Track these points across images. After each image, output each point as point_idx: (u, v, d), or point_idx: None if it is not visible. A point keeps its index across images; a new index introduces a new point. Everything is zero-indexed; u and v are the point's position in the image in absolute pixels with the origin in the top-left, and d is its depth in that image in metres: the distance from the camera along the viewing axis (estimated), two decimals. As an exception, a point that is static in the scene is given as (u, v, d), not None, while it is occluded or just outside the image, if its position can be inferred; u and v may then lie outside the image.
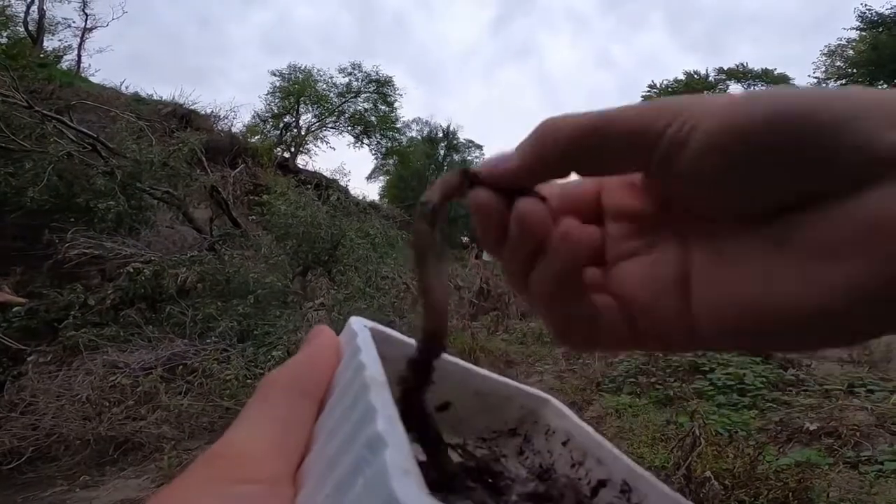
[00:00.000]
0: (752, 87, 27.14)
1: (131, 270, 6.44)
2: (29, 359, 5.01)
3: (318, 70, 24.71)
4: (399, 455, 0.16)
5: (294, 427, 0.22)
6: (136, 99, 14.64)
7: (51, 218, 6.87)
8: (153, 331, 5.69)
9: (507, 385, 0.32)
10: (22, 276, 6.81)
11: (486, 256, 15.15)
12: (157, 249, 7.36)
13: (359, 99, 25.58)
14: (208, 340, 5.56)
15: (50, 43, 17.64)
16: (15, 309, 5.97)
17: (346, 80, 25.18)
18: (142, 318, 6.04)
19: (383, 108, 26.17)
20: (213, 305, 6.31)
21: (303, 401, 0.23)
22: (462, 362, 0.31)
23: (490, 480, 0.27)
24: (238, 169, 10.99)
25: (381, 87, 25.56)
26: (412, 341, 0.29)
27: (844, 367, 5.96)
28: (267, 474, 0.20)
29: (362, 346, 0.24)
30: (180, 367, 4.96)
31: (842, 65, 24.36)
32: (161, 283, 6.48)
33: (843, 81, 24.37)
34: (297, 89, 23.74)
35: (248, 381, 4.70)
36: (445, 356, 0.30)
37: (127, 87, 15.95)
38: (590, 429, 0.31)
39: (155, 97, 15.38)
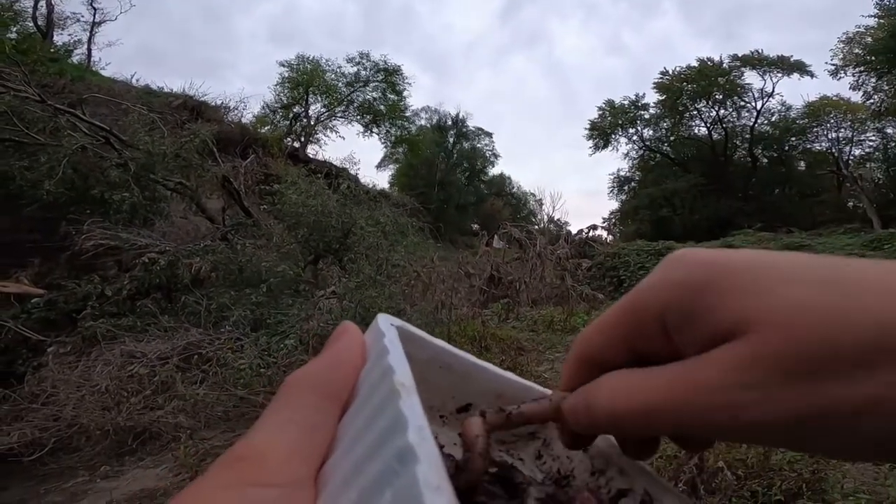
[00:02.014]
0: (767, 74, 26.64)
1: (147, 261, 6.53)
2: (49, 350, 5.12)
3: (327, 60, 24.69)
4: (431, 470, 0.16)
5: (316, 430, 0.22)
6: (147, 91, 14.75)
7: (67, 210, 6.97)
8: (169, 320, 5.77)
9: (530, 389, 0.32)
10: (40, 267, 6.94)
11: (496, 244, 15.13)
12: (172, 240, 7.44)
13: (367, 88, 25.49)
14: (222, 330, 5.63)
15: (60, 37, 17.80)
16: (34, 300, 6.10)
17: (355, 69, 25.12)
18: (157, 307, 6.13)
19: (392, 96, 26.05)
20: (227, 295, 6.38)
21: (326, 403, 0.23)
22: (488, 365, 0.31)
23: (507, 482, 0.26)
24: (249, 159, 11.04)
25: (390, 76, 25.42)
26: (439, 342, 0.29)
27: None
28: (286, 478, 0.19)
29: (390, 347, 0.23)
30: (195, 356, 5.04)
31: (860, 52, 23.72)
32: (176, 272, 6.57)
33: (862, 69, 23.76)
34: (305, 79, 23.71)
35: (262, 370, 4.75)
36: (473, 358, 0.30)
37: (138, 80, 16.09)
38: (613, 439, 0.29)
39: (165, 90, 15.49)
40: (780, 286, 0.19)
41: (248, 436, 0.21)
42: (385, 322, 0.26)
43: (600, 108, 32.54)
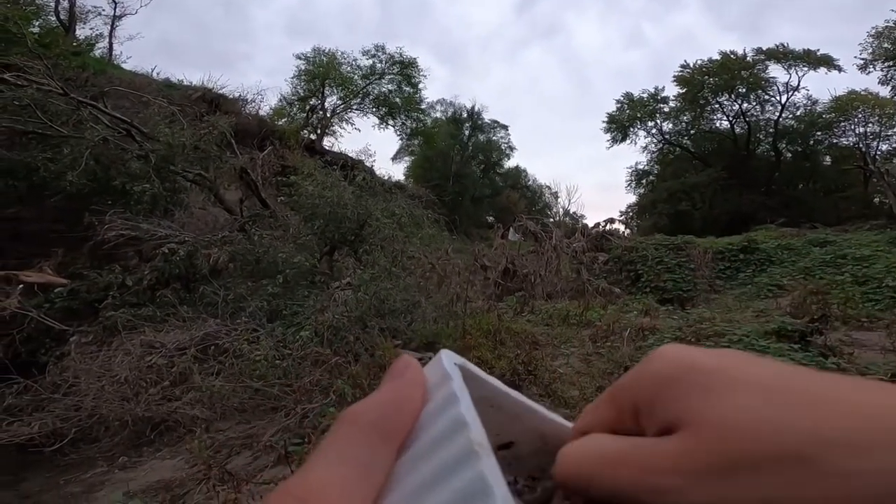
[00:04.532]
0: (792, 68, 25.96)
1: (167, 251, 6.62)
2: (71, 339, 5.21)
3: (342, 53, 24.77)
4: None
5: (372, 470, 0.22)
6: (168, 84, 14.92)
7: (89, 201, 7.10)
8: (187, 311, 5.85)
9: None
10: (63, 257, 7.07)
11: (511, 236, 15.05)
12: (191, 230, 7.54)
13: (383, 81, 25.52)
14: (239, 320, 5.69)
15: (81, 31, 18.05)
16: (57, 290, 6.22)
17: (370, 62, 25.16)
18: (176, 297, 6.22)
19: (407, 89, 26.05)
20: (244, 285, 6.45)
21: (383, 444, 0.23)
22: (538, 407, 0.31)
23: None
24: (266, 151, 11.13)
25: (405, 69, 25.40)
26: (494, 382, 0.29)
27: (887, 355, 5.73)
28: None
29: (459, 394, 0.23)
30: (212, 347, 5.09)
31: (889, 47, 22.97)
32: (195, 263, 6.66)
33: (891, 63, 23.04)
34: (321, 72, 23.78)
35: (277, 361, 4.78)
36: (525, 399, 0.31)
37: (158, 74, 16.29)
38: None
39: (185, 82, 15.67)
40: (726, 390, 0.21)
41: (304, 473, 0.21)
42: (449, 361, 0.26)
43: (618, 101, 32.10)
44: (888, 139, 25.63)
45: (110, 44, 19.74)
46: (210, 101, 14.19)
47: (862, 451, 0.17)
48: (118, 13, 20.28)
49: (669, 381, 0.23)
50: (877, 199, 24.98)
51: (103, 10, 19.60)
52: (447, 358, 0.26)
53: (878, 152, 25.54)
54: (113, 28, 20.02)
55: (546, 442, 0.31)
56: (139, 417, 4.08)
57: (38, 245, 7.07)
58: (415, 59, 25.43)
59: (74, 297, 6.27)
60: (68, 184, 6.91)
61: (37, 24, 12.84)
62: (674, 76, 29.48)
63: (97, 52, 17.59)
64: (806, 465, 0.18)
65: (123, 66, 17.38)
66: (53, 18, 16.09)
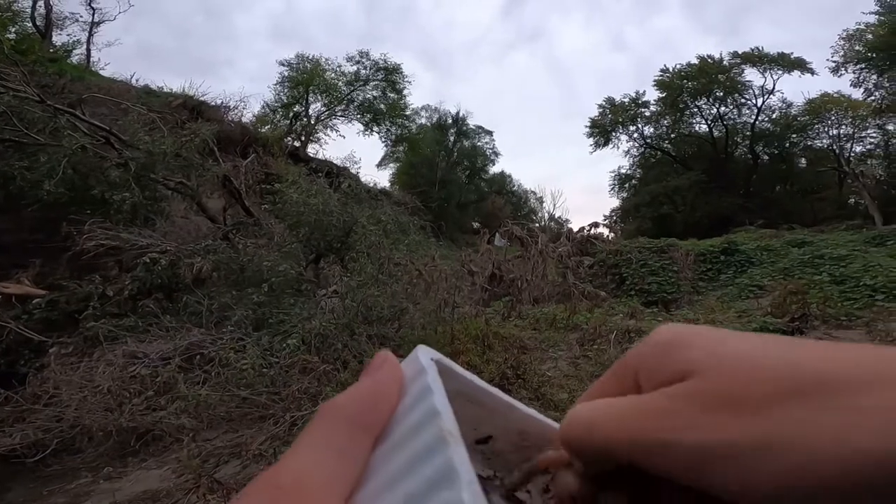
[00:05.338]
0: (767, 72, 26.64)
1: (148, 261, 6.51)
2: (51, 350, 5.10)
3: (326, 59, 24.76)
4: None
5: (350, 460, 0.23)
6: (147, 91, 14.72)
7: (67, 210, 6.95)
8: (171, 321, 5.75)
9: (553, 428, 0.32)
10: (41, 268, 6.92)
11: (497, 241, 15.11)
12: (173, 239, 7.41)
13: (367, 87, 25.53)
14: (224, 330, 5.61)
15: (59, 38, 17.76)
16: (35, 301, 6.08)
17: (355, 68, 25.16)
18: (159, 308, 6.11)
19: (392, 95, 26.10)
20: (229, 294, 6.36)
21: (362, 435, 0.24)
22: (517, 403, 0.32)
23: None
24: (249, 158, 11.02)
25: (390, 75, 25.45)
26: (471, 377, 0.29)
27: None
28: None
29: (434, 386, 0.24)
30: (197, 356, 5.01)
31: (861, 49, 23.75)
32: (177, 272, 6.55)
33: (863, 66, 23.76)
34: (305, 79, 23.72)
35: (264, 370, 4.73)
36: (503, 395, 0.31)
37: (137, 80, 16.05)
38: None
39: (165, 89, 15.45)
40: (726, 341, 0.23)
41: (284, 462, 0.22)
42: (425, 356, 0.26)
43: (601, 106, 32.58)
44: (861, 141, 26.38)
45: (88, 50, 19.45)
46: (191, 109, 14.01)
47: (865, 389, 0.18)
48: (96, 19, 20.01)
49: (671, 345, 0.24)
50: (852, 200, 25.65)
51: (81, 16, 19.32)
52: (423, 353, 0.27)
53: (852, 154, 26.26)
54: (91, 34, 19.73)
55: (525, 438, 0.32)
56: (123, 428, 4.00)
57: (16, 255, 6.91)
58: (399, 65, 25.56)
59: (53, 307, 6.13)
60: (46, 193, 6.76)
61: (13, 30, 12.64)
62: (654, 80, 30.09)
63: (75, 59, 17.35)
64: (813, 401, 0.19)
65: (102, 72, 17.13)
66: (30, 24, 15.82)
